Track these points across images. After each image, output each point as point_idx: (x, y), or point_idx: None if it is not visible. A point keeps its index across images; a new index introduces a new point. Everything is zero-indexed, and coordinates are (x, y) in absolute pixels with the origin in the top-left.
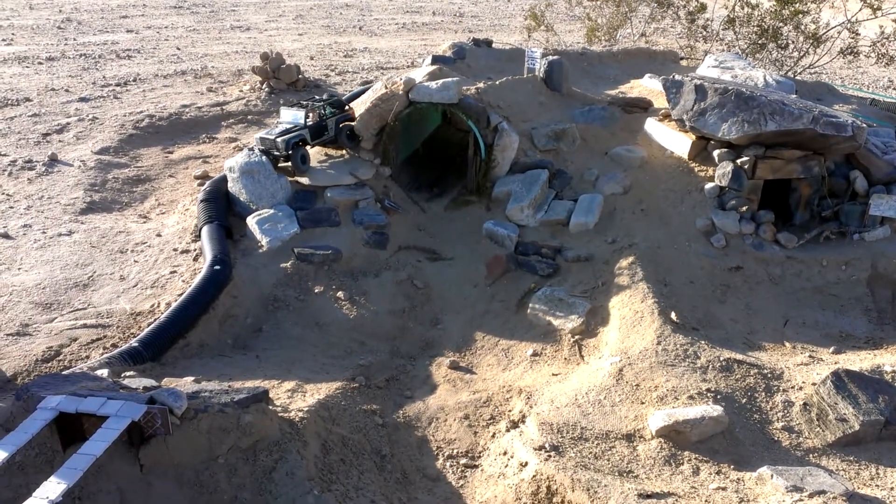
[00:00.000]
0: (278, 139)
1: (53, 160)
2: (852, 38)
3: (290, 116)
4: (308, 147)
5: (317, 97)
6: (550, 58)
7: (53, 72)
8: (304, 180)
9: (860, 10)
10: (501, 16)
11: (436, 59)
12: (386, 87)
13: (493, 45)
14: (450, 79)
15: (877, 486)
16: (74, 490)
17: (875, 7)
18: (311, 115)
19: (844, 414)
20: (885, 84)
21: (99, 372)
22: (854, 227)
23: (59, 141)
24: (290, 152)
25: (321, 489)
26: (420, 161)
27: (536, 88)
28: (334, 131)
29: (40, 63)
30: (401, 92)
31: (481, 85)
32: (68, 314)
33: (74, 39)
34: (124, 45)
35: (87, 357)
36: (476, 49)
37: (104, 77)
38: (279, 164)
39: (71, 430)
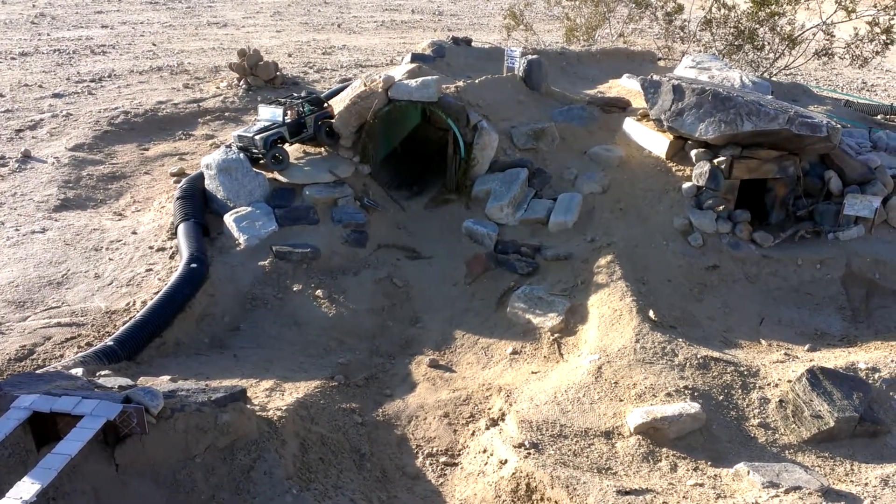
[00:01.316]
0: (256, 137)
1: (27, 157)
2: (827, 39)
3: (269, 114)
4: (287, 145)
5: (295, 94)
6: (530, 57)
7: (27, 67)
8: (283, 178)
9: (835, 11)
10: (480, 14)
11: (415, 58)
12: (365, 85)
13: (473, 44)
14: (429, 77)
15: (851, 481)
16: (48, 490)
17: (849, 9)
18: (289, 112)
19: (819, 411)
20: (858, 86)
21: (73, 371)
22: (829, 227)
23: (33, 137)
24: (266, 150)
25: (300, 488)
26: (399, 159)
27: (516, 87)
28: (313, 129)
29: (13, 58)
30: (380, 90)
31: (461, 83)
32: (42, 312)
33: (48, 34)
34: (99, 41)
35: (62, 356)
36: (455, 48)
37: (78, 73)
38: (260, 162)
39: (45, 429)
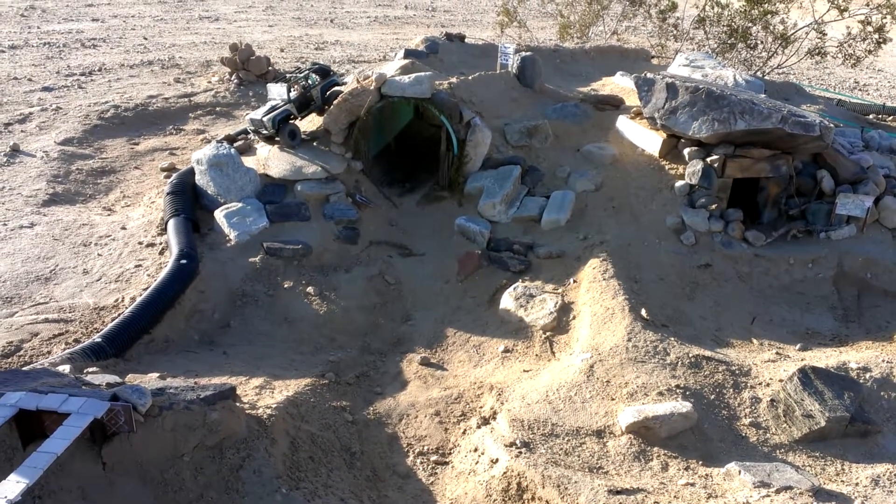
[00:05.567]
0: (265, 118)
1: (15, 151)
2: (819, 38)
3: (276, 92)
4: (298, 120)
5: (300, 67)
6: (523, 54)
7: (16, 60)
8: (274, 174)
9: (827, 10)
10: (474, 11)
11: (408, 53)
12: (357, 82)
13: (467, 41)
14: (422, 73)
15: (842, 481)
16: (35, 489)
17: (842, 8)
18: (293, 88)
19: (811, 410)
20: (850, 85)
21: (61, 368)
22: (821, 226)
23: (22, 131)
24: (277, 129)
25: (289, 487)
26: (392, 156)
27: (509, 84)
28: (321, 100)
29: (2, 51)
30: (372, 87)
31: (454, 80)
32: (29, 308)
33: (38, 27)
34: (90, 34)
35: (49, 352)
36: (449, 44)
37: (69, 66)
38: (276, 139)
39: (31, 427)
